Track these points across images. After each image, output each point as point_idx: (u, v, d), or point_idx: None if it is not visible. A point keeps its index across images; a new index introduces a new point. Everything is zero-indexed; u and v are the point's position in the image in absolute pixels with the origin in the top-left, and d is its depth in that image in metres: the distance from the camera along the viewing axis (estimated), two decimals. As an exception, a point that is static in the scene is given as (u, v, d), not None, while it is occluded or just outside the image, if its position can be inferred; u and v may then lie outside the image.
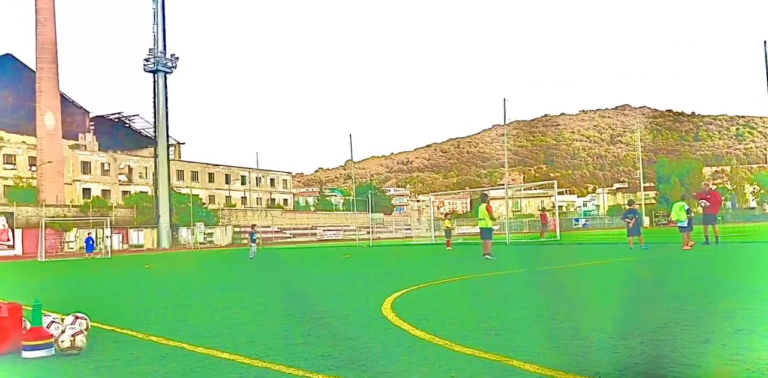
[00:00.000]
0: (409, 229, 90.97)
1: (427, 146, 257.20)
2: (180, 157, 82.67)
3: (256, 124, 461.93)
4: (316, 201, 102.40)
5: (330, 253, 27.80)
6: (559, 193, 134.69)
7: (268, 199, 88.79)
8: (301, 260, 22.19)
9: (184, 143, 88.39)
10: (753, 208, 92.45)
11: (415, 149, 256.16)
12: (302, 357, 4.29)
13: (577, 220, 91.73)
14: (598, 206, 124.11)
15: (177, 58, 57.48)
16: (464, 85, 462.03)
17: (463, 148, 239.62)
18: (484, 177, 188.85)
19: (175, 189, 63.15)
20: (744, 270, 10.98)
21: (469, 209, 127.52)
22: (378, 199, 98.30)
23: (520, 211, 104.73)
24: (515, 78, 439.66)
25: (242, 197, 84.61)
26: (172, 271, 18.09)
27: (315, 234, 71.76)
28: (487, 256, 15.45)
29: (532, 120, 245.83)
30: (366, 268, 15.55)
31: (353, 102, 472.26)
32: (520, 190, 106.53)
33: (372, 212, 52.44)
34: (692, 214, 19.08)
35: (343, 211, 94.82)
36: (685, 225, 17.83)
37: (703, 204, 19.25)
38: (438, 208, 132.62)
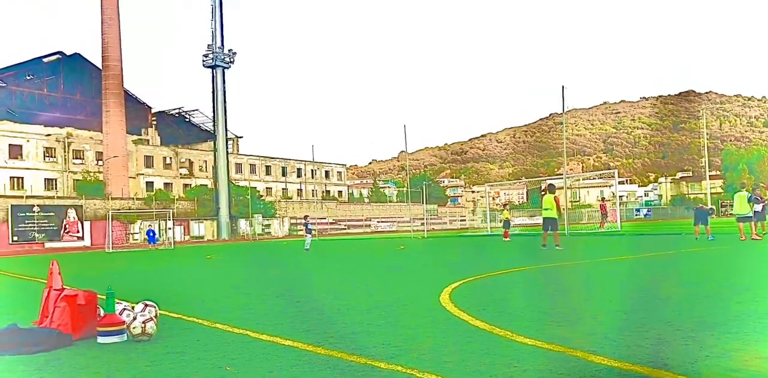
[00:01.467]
0: (464, 220, 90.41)
1: (482, 136, 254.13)
2: (238, 150, 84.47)
3: (311, 117, 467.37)
4: (370, 192, 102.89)
5: (384, 244, 27.93)
6: (619, 183, 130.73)
7: (323, 191, 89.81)
8: (356, 251, 22.37)
9: (242, 137, 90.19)
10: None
11: (470, 139, 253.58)
12: (363, 345, 4.33)
13: (638, 210, 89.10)
14: (660, 196, 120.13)
15: (234, 54, 58.62)
16: (520, 73, 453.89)
17: (519, 138, 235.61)
18: (541, 167, 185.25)
19: (233, 182, 64.63)
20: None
21: (525, 200, 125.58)
22: (432, 190, 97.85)
23: (578, 201, 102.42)
24: (572, 65, 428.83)
25: (298, 189, 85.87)
26: (232, 262, 18.56)
27: (369, 225, 72.23)
28: (556, 247, 15.22)
29: (590, 108, 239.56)
30: (421, 259, 15.56)
31: (406, 92, 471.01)
32: (579, 180, 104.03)
33: (426, 203, 52.21)
34: (765, 202, 18.19)
35: (397, 202, 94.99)
36: (750, 215, 16.97)
37: None
38: (493, 199, 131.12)
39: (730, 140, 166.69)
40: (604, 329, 4.61)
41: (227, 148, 59.91)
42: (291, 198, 79.69)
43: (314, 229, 29.78)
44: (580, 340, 4.17)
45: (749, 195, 17.49)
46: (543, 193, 19.34)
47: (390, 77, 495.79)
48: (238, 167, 76.78)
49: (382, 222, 74.60)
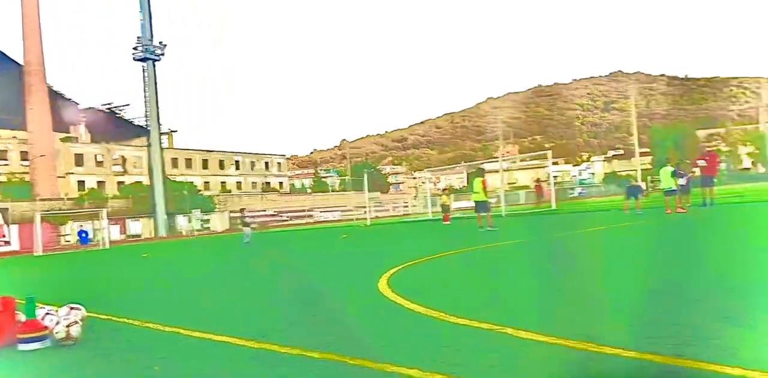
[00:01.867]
0: (407, 206, 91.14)
1: (422, 122, 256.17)
2: (173, 145, 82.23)
3: (247, 108, 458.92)
4: (312, 183, 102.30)
5: (327, 234, 27.84)
6: (554, 163, 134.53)
7: (263, 183, 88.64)
8: (298, 242, 22.22)
9: (176, 131, 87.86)
10: (748, 168, 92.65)
11: (410, 126, 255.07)
12: (298, 336, 4.29)
13: (573, 189, 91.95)
14: (593, 174, 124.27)
15: (165, 46, 56.78)
16: (456, 59, 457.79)
17: (458, 123, 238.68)
18: (479, 151, 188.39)
19: (169, 177, 62.92)
20: (737, 230, 11.04)
21: (465, 184, 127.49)
22: (374, 178, 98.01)
23: (515, 183, 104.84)
24: (506, 49, 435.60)
25: (237, 182, 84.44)
26: (169, 259, 18.11)
27: (312, 216, 71.74)
28: (488, 228, 15.57)
29: (526, 91, 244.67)
30: (363, 247, 15.60)
31: (344, 81, 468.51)
32: (515, 162, 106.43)
33: (368, 191, 52.29)
34: (689, 176, 19.08)
35: (339, 191, 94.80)
36: (674, 189, 17.73)
37: (700, 163, 19.30)
38: (434, 184, 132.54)
39: (657, 118, 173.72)
40: (537, 306, 4.72)
41: (161, 143, 58.17)
42: (230, 191, 78.29)
43: (253, 222, 29.35)
44: (512, 318, 4.26)
45: (673, 170, 18.26)
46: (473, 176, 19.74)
47: (326, 64, 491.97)
48: (174, 162, 74.77)
49: (325, 212, 74.22)
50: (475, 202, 16.54)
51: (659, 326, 3.68)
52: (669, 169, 18.31)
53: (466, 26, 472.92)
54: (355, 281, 7.53)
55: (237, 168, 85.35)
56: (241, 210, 25.85)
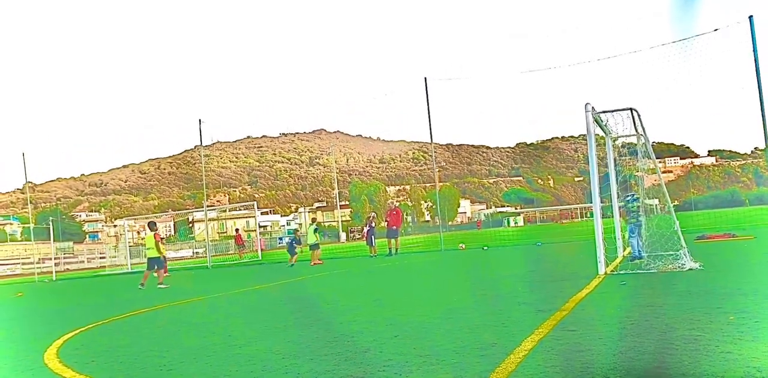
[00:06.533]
0: (104, 257, 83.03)
1: (124, 166, 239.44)
2: None
3: None
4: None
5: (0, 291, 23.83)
6: (263, 213, 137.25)
7: None
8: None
9: None
10: (428, 220, 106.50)
11: (110, 170, 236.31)
12: None
13: (281, 238, 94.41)
14: (300, 225, 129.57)
15: None
16: (160, 104, 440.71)
17: (164, 169, 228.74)
18: (188, 198, 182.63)
19: None
20: (417, 275, 12.56)
21: (173, 232, 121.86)
22: (66, 226, 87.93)
23: (225, 232, 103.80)
24: (213, 99, 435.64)
25: None
26: None
27: (-19, 270, 60.70)
28: (159, 286, 15.04)
29: (235, 141, 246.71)
30: (39, 307, 13.73)
31: (29, 116, 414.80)
32: (225, 210, 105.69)
33: (58, 241, 46.49)
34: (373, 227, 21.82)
35: (21, 241, 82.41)
36: (317, 243, 21.06)
37: (386, 219, 22.20)
38: (138, 233, 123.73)
39: (356, 174, 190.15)
40: (214, 366, 4.68)
41: None
42: None
43: None
44: (186, 383, 4.16)
45: (316, 227, 21.85)
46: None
47: (13, 94, 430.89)
48: None
49: (1, 265, 63.53)
50: (148, 258, 15.74)
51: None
52: (314, 226, 21.77)
53: (173, 71, 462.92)
54: (20, 351, 6.57)
55: None
56: None
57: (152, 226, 16.24)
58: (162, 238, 15.64)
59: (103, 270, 45.07)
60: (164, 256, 15.70)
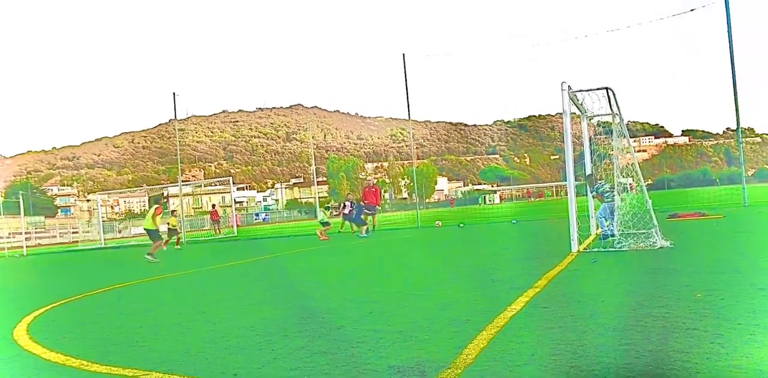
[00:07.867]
0: (77, 232, 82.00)
1: (97, 140, 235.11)
2: None
3: None
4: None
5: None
6: (239, 189, 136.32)
7: None
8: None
9: None
10: (405, 198, 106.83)
11: (82, 144, 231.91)
12: None
13: (257, 214, 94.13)
14: (277, 200, 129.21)
15: None
16: (135, 76, 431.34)
17: (139, 143, 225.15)
18: (163, 173, 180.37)
19: None
20: (393, 253, 12.62)
21: (147, 207, 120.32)
22: (37, 200, 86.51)
23: (201, 207, 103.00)
24: (188, 72, 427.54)
25: None
26: None
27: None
28: (147, 257, 15.02)
29: (210, 115, 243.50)
30: (9, 283, 13.54)
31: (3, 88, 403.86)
32: (200, 186, 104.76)
33: (29, 215, 45.67)
34: (354, 205, 21.48)
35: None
36: (327, 222, 20.57)
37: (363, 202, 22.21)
38: (112, 207, 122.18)
39: (333, 150, 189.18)
40: (188, 344, 4.66)
41: None
42: None
43: None
44: (159, 360, 4.14)
45: (327, 205, 21.76)
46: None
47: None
48: None
49: (-33, 240, 62.40)
50: (145, 229, 15.91)
51: (299, 356, 3.97)
52: (326, 206, 22.04)
53: (151, 48, 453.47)
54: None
55: None
56: None
57: (156, 200, 16.92)
58: (162, 213, 15.69)
59: (75, 245, 44.55)
60: (158, 229, 15.70)
